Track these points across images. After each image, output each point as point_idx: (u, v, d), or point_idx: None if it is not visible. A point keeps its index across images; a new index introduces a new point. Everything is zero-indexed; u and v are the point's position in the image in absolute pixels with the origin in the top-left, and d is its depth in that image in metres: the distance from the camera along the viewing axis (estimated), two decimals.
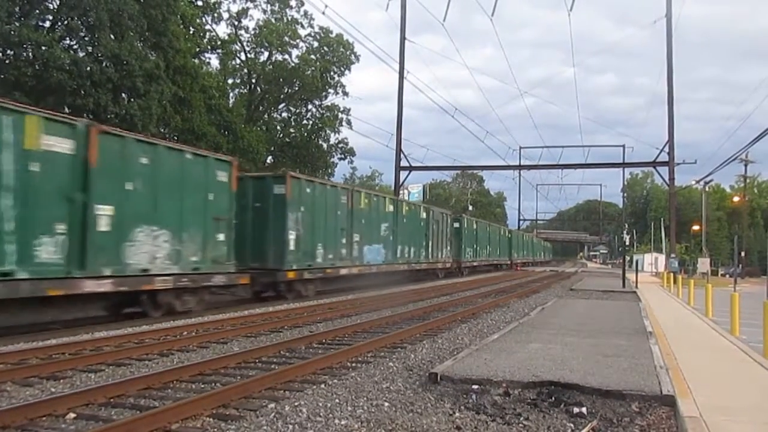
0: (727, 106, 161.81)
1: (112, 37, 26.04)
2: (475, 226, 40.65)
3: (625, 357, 8.24)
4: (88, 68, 24.82)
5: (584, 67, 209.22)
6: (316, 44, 44.00)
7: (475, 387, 6.62)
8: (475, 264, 39.93)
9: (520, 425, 5.52)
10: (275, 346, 9.46)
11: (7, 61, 24.52)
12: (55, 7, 26.54)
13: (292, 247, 17.66)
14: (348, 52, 44.09)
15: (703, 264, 47.53)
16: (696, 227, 62.34)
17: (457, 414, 5.80)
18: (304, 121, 47.30)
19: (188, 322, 12.16)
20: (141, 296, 12.56)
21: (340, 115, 46.65)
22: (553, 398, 6.23)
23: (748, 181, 74.78)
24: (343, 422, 5.51)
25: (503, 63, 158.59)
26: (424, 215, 29.46)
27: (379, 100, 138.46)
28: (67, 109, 24.22)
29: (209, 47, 40.14)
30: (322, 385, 6.93)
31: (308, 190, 18.67)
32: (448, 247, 33.15)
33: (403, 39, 38.19)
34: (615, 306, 17.29)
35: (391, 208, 25.19)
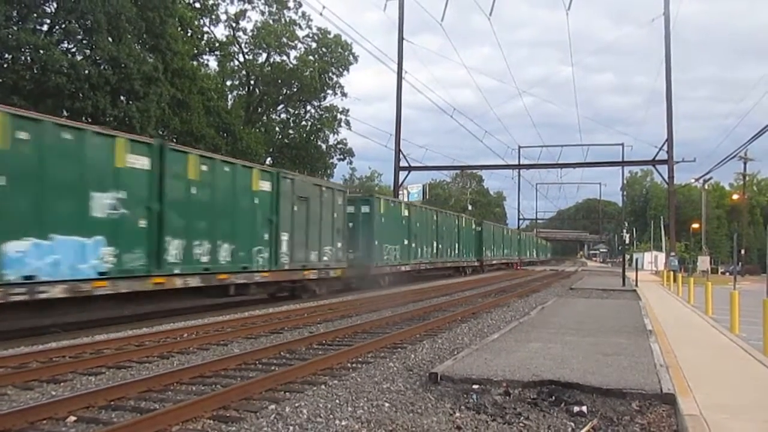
0: (725, 104, 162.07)
1: (110, 39, 26.06)
2: (405, 213, 27.75)
3: (625, 355, 8.24)
4: (87, 71, 24.84)
5: (582, 66, 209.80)
6: (314, 45, 44.06)
7: (475, 387, 6.62)
8: (405, 269, 27.02)
9: (521, 425, 5.52)
10: (275, 347, 9.46)
11: (5, 65, 24.54)
12: (53, 10, 26.55)
13: None
14: (346, 53, 44.13)
15: (703, 262, 47.57)
16: (696, 225, 62.35)
17: (458, 414, 5.81)
18: (303, 122, 47.36)
19: (188, 324, 12.15)
20: None
21: (338, 115, 46.71)
22: (554, 397, 6.24)
23: (747, 178, 74.77)
24: (343, 423, 5.51)
25: (501, 62, 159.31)
26: (259, 182, 16.07)
27: (377, 101, 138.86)
28: (65, 113, 24.26)
29: (207, 49, 40.18)
30: (323, 386, 6.93)
31: None
32: (337, 245, 20.17)
33: (401, 39, 38.20)
34: (615, 305, 17.30)
35: (139, 162, 12.47)
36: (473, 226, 41.48)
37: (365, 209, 24.10)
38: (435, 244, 31.95)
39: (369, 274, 23.25)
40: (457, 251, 36.27)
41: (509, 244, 54.56)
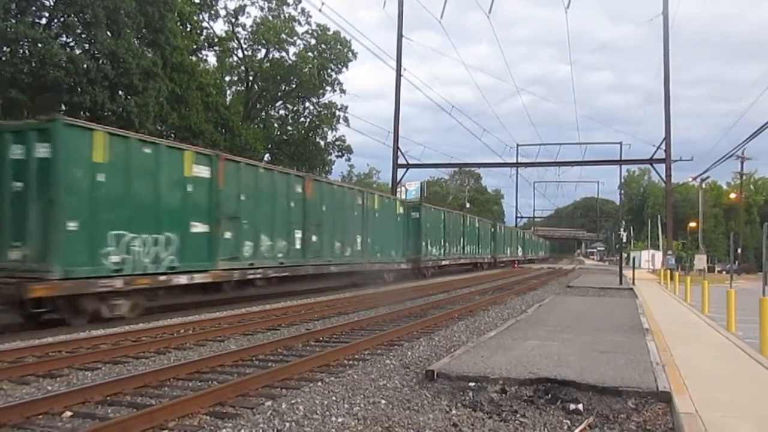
0: (722, 103, 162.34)
1: (108, 34, 25.98)
2: (201, 173, 14.49)
3: (622, 353, 8.25)
4: (85, 65, 24.77)
5: (580, 64, 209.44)
6: (313, 42, 43.98)
7: (471, 384, 6.63)
8: (191, 280, 13.99)
9: (517, 422, 5.52)
10: (272, 343, 9.46)
11: (3, 58, 24.45)
12: (52, 3, 26.45)
13: None
14: (345, 50, 44.06)
15: (700, 260, 47.66)
16: (693, 224, 62.50)
17: (454, 411, 5.81)
18: (302, 119, 47.29)
19: (185, 320, 12.15)
20: None
21: (337, 112, 46.64)
22: (550, 395, 6.24)
23: (744, 177, 74.91)
24: (339, 420, 5.51)
25: (498, 60, 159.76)
26: None
27: (375, 98, 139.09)
28: (63, 107, 24.20)
29: (206, 44, 40.08)
30: (319, 383, 6.93)
31: None
32: None
33: (400, 36, 38.22)
34: (612, 303, 17.32)
35: None
36: (399, 210, 27.14)
37: (43, 152, 11.35)
38: (300, 235, 18.38)
39: (21, 294, 10.54)
40: (359, 247, 22.26)
41: (475, 239, 41.25)
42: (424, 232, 29.90)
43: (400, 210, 27.55)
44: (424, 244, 29.95)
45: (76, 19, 25.83)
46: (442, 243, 33.22)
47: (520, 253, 62.20)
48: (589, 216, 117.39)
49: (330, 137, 47.56)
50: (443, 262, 33.33)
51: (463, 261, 38.12)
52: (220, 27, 43.09)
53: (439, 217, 33.52)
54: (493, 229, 48.45)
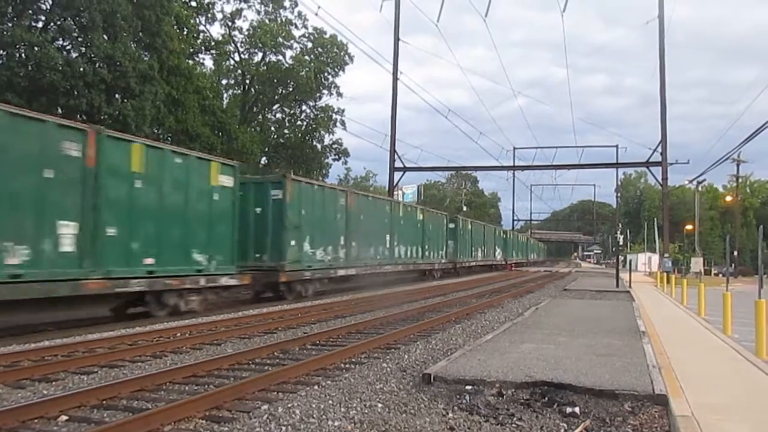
0: (718, 106, 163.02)
1: (105, 37, 25.98)
2: None
3: (618, 356, 8.26)
4: (81, 69, 24.77)
5: (576, 67, 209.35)
6: (310, 45, 44.06)
7: (468, 387, 6.63)
8: None
9: (513, 425, 5.53)
10: (269, 347, 9.45)
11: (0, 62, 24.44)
12: (48, 7, 26.44)
13: None
14: (342, 53, 44.14)
15: (696, 263, 47.78)
16: (689, 227, 62.64)
17: (451, 414, 5.81)
18: (298, 122, 47.35)
19: (182, 323, 12.13)
20: None
21: (333, 115, 46.67)
22: (546, 398, 6.24)
23: (740, 180, 75.10)
24: (336, 423, 5.51)
25: (494, 63, 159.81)
26: None
27: (371, 101, 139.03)
28: (60, 110, 24.17)
29: (203, 48, 40.12)
30: (316, 387, 6.92)
31: None
32: None
33: (396, 40, 38.28)
34: (608, 306, 17.34)
35: None
36: (217, 181, 14.77)
37: None
38: None
39: None
40: (72, 248, 11.01)
41: (418, 237, 30.01)
42: (291, 222, 18.14)
43: (224, 181, 15.00)
44: (293, 242, 18.26)
45: (72, 22, 25.84)
46: (343, 242, 21.51)
47: (498, 256, 51.10)
48: (586, 219, 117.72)
49: (327, 140, 47.67)
50: (340, 272, 21.30)
51: (389, 268, 25.91)
52: (216, 30, 43.21)
53: (335, 200, 21.08)
54: (452, 225, 36.63)
